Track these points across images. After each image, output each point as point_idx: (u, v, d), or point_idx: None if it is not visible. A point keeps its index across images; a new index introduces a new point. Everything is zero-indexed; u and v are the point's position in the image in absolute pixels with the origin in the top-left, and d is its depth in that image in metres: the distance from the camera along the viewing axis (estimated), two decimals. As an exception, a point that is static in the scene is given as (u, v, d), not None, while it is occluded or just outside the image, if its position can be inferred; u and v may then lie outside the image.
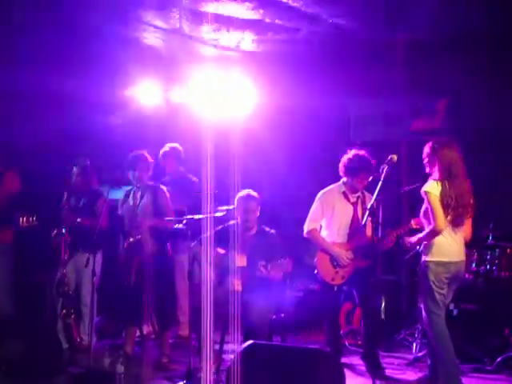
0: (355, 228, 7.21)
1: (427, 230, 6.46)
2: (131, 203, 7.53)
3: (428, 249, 6.49)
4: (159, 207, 7.49)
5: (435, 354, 6.59)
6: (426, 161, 6.61)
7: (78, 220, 7.75)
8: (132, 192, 7.60)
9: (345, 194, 7.35)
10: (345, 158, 7.29)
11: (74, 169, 7.91)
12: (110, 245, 7.75)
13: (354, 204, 7.33)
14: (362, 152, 7.23)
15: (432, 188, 6.41)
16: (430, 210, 6.38)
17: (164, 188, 7.69)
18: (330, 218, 7.37)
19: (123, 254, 7.44)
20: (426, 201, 6.43)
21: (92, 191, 7.98)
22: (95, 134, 9.02)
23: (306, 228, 7.42)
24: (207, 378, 6.25)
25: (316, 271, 7.43)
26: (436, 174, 6.47)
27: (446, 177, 6.42)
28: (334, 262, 7.24)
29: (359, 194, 7.32)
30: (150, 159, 7.60)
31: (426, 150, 6.60)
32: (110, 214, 7.82)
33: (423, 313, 6.60)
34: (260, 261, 6.89)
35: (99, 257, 7.83)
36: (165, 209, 7.53)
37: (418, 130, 9.50)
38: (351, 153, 7.25)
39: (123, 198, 7.66)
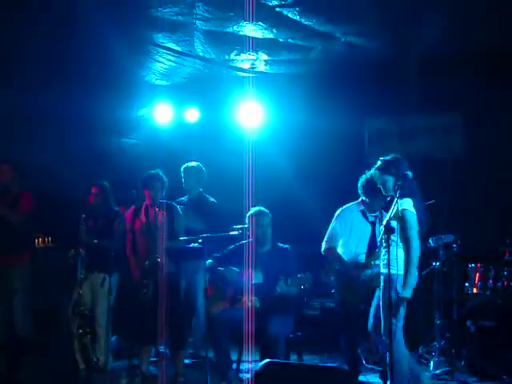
0: (373, 247, 7.19)
1: None
2: (144, 221, 7.54)
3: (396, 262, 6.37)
4: (174, 227, 7.51)
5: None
6: None
7: (95, 241, 7.75)
8: (143, 209, 7.61)
9: (363, 213, 7.34)
10: (363, 179, 7.27)
11: (94, 189, 7.93)
12: (120, 262, 7.76)
13: (373, 223, 7.32)
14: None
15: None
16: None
17: (178, 206, 7.70)
18: (348, 237, 7.35)
19: (138, 274, 7.44)
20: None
21: (110, 212, 7.98)
22: (111, 155, 9.07)
23: (323, 246, 7.41)
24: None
25: (333, 290, 7.42)
26: None
27: None
28: (352, 280, 7.21)
29: (377, 213, 7.30)
30: (163, 177, 7.61)
31: None
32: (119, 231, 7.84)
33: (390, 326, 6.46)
34: (278, 276, 6.88)
35: (115, 277, 7.84)
36: (179, 228, 7.55)
37: (433, 147, 9.51)
38: (369, 173, 7.22)
39: (132, 214, 7.67)
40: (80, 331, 7.58)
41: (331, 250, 7.38)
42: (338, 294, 7.40)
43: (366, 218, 7.33)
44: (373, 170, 6.61)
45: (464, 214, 8.82)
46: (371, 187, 7.13)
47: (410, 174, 6.36)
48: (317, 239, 7.60)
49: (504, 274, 7.79)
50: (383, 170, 6.43)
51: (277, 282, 6.90)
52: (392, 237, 6.18)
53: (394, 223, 6.18)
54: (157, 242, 7.39)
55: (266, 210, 7.36)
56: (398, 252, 6.23)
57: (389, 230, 6.14)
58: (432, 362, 7.82)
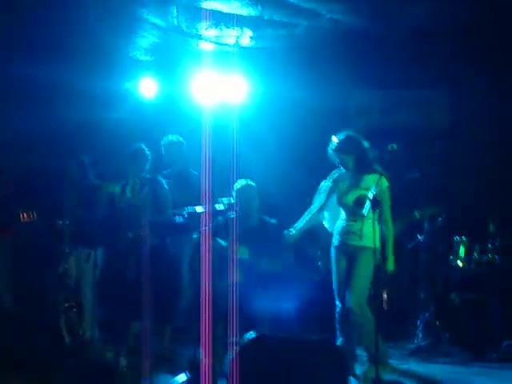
0: None
1: None
2: (130, 196, 7.51)
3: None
4: (159, 201, 7.49)
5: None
6: None
7: (80, 213, 7.74)
8: (130, 185, 7.57)
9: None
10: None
11: (73, 163, 7.90)
12: (111, 238, 7.74)
13: None
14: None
15: None
16: None
17: (163, 181, 7.67)
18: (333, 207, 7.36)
19: (124, 249, 7.44)
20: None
21: (90, 185, 7.96)
22: (94, 127, 9.00)
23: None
24: (209, 369, 6.24)
25: (320, 263, 7.44)
26: None
27: None
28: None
29: None
30: (146, 151, 7.58)
31: None
32: (109, 207, 7.82)
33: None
34: (263, 253, 6.87)
35: (100, 251, 7.83)
36: (164, 202, 7.53)
37: (416, 122, 9.53)
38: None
39: (120, 190, 7.65)
40: (66, 305, 7.58)
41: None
42: (324, 267, 7.42)
43: None
44: (330, 151, 6.67)
45: (448, 187, 8.86)
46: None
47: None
48: (302, 213, 7.58)
49: (488, 247, 7.84)
50: (341, 150, 6.54)
51: (261, 258, 6.89)
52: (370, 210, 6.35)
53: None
54: (142, 217, 7.37)
55: (252, 183, 7.34)
56: (376, 225, 6.31)
57: (375, 204, 6.19)
58: (417, 335, 7.87)
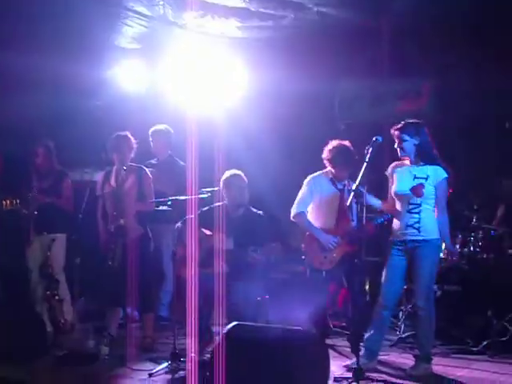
0: (342, 214, 7.21)
1: None
2: (114, 185, 7.50)
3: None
4: (143, 190, 7.48)
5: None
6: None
7: (48, 200, 7.75)
8: (114, 173, 7.56)
9: (332, 181, 7.35)
10: (326, 150, 7.30)
11: (38, 151, 7.91)
12: (90, 226, 7.74)
13: (341, 191, 7.33)
14: (343, 143, 7.26)
15: None
16: None
17: (147, 170, 7.67)
18: (318, 203, 7.36)
19: (106, 237, 7.43)
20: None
21: (56, 172, 7.96)
22: (77, 115, 8.98)
23: (293, 211, 7.41)
24: (191, 359, 6.26)
25: (304, 257, 7.44)
26: None
27: None
28: (322, 246, 7.24)
29: (345, 181, 7.31)
30: (133, 140, 7.57)
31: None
32: (89, 195, 7.84)
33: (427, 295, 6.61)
34: (249, 245, 6.87)
35: (63, 238, 7.85)
36: (148, 192, 7.52)
37: (403, 112, 9.53)
38: (331, 144, 7.27)
39: (103, 178, 7.63)
40: (47, 293, 7.57)
41: (300, 215, 7.39)
42: (308, 259, 7.42)
43: (335, 185, 7.35)
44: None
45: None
46: (332, 159, 7.22)
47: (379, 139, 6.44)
48: (287, 205, 7.60)
49: (470, 240, 7.87)
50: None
51: (247, 249, 6.89)
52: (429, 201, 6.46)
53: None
54: (125, 206, 7.37)
55: (241, 173, 7.34)
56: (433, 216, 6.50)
57: (358, 194, 6.23)
58: (399, 327, 7.90)
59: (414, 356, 6.68)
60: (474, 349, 7.29)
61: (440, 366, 6.77)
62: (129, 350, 7.06)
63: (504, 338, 7.24)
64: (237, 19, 8.68)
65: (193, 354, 6.40)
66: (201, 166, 7.54)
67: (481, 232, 7.89)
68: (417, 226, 6.49)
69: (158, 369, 6.47)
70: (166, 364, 6.53)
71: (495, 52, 8.52)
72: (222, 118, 8.97)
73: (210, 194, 7.18)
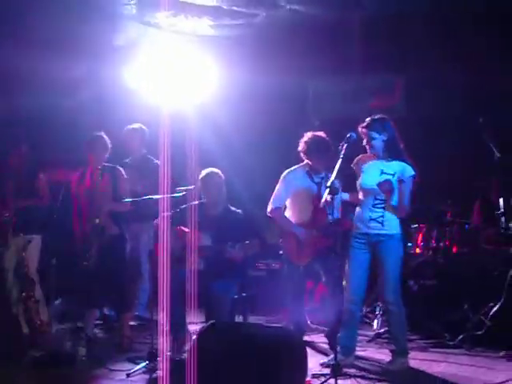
0: (318, 208, 7.21)
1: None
2: (88, 185, 7.47)
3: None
4: (118, 190, 7.46)
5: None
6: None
7: (28, 203, 7.71)
8: (88, 172, 7.53)
9: (309, 174, 7.33)
10: (301, 142, 7.29)
11: (14, 152, 7.86)
12: (65, 227, 7.70)
13: (319, 184, 7.32)
14: (318, 134, 7.25)
15: None
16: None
17: (121, 169, 7.64)
18: (295, 198, 7.35)
19: (81, 238, 7.40)
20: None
21: (28, 172, 7.90)
22: (51, 115, 8.94)
23: (269, 207, 7.41)
24: (166, 358, 6.25)
25: (281, 252, 7.44)
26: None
27: None
28: (298, 241, 7.25)
29: (323, 175, 7.31)
30: (108, 141, 7.54)
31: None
32: (64, 194, 7.80)
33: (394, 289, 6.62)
34: (227, 241, 6.86)
35: (39, 239, 7.82)
36: (123, 191, 7.51)
37: (376, 108, 9.56)
38: (306, 136, 7.25)
39: (78, 178, 7.60)
40: (23, 294, 7.53)
41: (276, 210, 7.40)
42: (285, 254, 7.43)
43: (312, 179, 7.33)
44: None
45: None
46: (309, 150, 7.20)
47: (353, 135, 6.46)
48: (262, 201, 7.59)
49: (445, 235, 7.92)
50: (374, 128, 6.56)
51: (225, 246, 6.87)
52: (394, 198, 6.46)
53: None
54: (100, 206, 7.35)
55: (218, 171, 7.33)
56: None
57: (333, 189, 6.23)
58: (375, 322, 7.94)
59: (391, 351, 6.70)
60: (451, 343, 7.32)
61: (417, 360, 6.81)
62: (106, 350, 7.03)
63: (480, 332, 7.28)
64: (209, 18, 8.69)
65: (168, 353, 6.39)
66: (174, 165, 7.53)
67: (456, 226, 7.93)
68: (380, 219, 6.51)
69: (135, 369, 6.44)
70: (143, 364, 6.51)
71: (466, 48, 8.58)
72: (196, 116, 8.96)
73: (185, 193, 7.16)
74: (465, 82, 8.76)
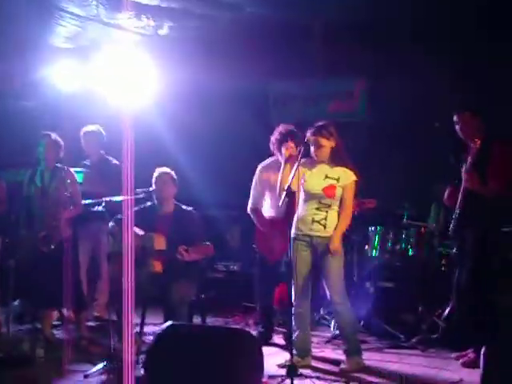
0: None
1: None
2: (39, 185, 7.45)
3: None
4: (69, 191, 7.42)
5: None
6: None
7: None
8: (39, 173, 7.51)
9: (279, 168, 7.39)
10: (273, 134, 7.35)
11: None
12: (14, 227, 7.68)
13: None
14: (285, 126, 7.31)
15: None
16: None
17: (72, 170, 7.63)
18: (268, 192, 7.46)
19: (36, 239, 7.36)
20: None
21: None
22: (9, 116, 8.91)
23: (248, 205, 7.56)
24: (127, 359, 6.25)
25: (254, 245, 7.52)
26: None
27: None
28: (270, 237, 7.34)
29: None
30: (57, 140, 7.52)
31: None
32: (15, 196, 7.77)
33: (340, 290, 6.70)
34: (179, 243, 6.87)
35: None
36: (75, 193, 7.51)
37: (336, 112, 9.67)
38: (276, 129, 7.32)
39: (28, 179, 7.57)
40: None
41: (252, 212, 7.53)
42: (258, 250, 7.51)
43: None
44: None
45: (364, 178, 9.02)
46: (278, 139, 7.22)
47: None
48: (222, 203, 7.65)
49: (402, 237, 8.01)
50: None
51: (177, 249, 6.87)
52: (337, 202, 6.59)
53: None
54: (51, 208, 7.34)
55: (168, 170, 7.31)
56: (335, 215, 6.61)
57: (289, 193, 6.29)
58: (332, 323, 8.01)
59: (344, 351, 6.78)
60: (406, 344, 7.44)
61: (373, 360, 6.90)
62: (65, 351, 7.02)
63: (435, 335, 7.42)
64: (171, 20, 8.71)
65: (128, 355, 6.40)
66: (136, 165, 7.54)
67: (412, 229, 8.04)
68: (323, 222, 6.58)
69: (93, 370, 6.43)
70: (101, 365, 6.52)
71: (427, 55, 8.68)
72: (155, 118, 8.98)
73: (144, 195, 7.18)
74: (424, 87, 8.87)
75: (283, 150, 6.90)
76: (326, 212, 6.59)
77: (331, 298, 6.66)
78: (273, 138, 7.27)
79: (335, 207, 6.62)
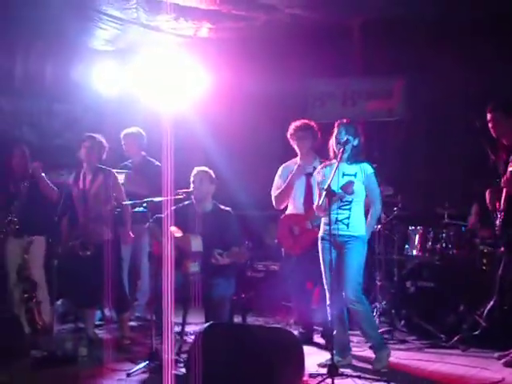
0: (310, 199, 7.27)
1: None
2: (81, 186, 7.54)
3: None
4: (111, 192, 7.51)
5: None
6: None
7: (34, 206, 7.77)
8: (81, 174, 7.59)
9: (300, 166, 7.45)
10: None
11: (15, 153, 7.91)
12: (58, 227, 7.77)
13: (308, 175, 7.39)
14: (304, 121, 7.45)
15: None
16: None
17: (114, 171, 7.70)
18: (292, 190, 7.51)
19: (79, 239, 7.44)
20: None
21: (30, 175, 7.94)
22: (51, 116, 9.01)
23: (272, 195, 7.63)
24: (169, 358, 6.30)
25: (276, 240, 7.55)
26: None
27: None
28: (293, 231, 7.37)
29: (313, 165, 7.37)
30: (102, 141, 7.60)
31: None
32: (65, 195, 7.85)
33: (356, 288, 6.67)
34: (215, 244, 6.88)
35: (42, 240, 7.88)
36: (119, 194, 7.59)
37: (374, 111, 9.64)
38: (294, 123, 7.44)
39: (73, 179, 7.65)
40: (25, 295, 7.61)
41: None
42: (280, 243, 7.56)
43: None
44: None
45: (405, 178, 9.00)
46: (293, 132, 7.41)
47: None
48: (261, 203, 7.66)
49: (442, 237, 7.97)
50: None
51: (213, 251, 6.89)
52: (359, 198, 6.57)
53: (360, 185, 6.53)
54: (93, 209, 7.43)
55: (205, 169, 7.34)
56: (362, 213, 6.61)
57: (329, 192, 6.29)
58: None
59: (370, 348, 6.79)
60: (447, 343, 7.39)
61: (413, 360, 6.88)
62: (107, 350, 7.09)
63: (476, 332, 7.35)
64: (209, 21, 8.76)
65: (169, 354, 6.45)
66: (176, 167, 7.59)
67: (452, 228, 7.99)
68: (346, 221, 6.56)
69: (135, 369, 6.49)
70: (143, 364, 6.57)
71: (465, 52, 8.64)
72: (195, 119, 9.04)
73: (185, 195, 7.21)
74: (463, 86, 8.82)
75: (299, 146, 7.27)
76: (349, 210, 6.58)
77: (346, 296, 6.60)
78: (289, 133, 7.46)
79: (359, 203, 6.61)
